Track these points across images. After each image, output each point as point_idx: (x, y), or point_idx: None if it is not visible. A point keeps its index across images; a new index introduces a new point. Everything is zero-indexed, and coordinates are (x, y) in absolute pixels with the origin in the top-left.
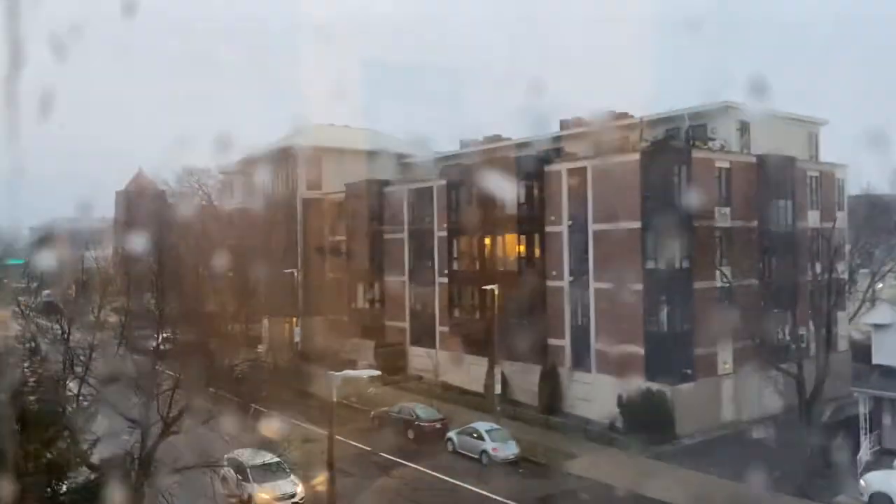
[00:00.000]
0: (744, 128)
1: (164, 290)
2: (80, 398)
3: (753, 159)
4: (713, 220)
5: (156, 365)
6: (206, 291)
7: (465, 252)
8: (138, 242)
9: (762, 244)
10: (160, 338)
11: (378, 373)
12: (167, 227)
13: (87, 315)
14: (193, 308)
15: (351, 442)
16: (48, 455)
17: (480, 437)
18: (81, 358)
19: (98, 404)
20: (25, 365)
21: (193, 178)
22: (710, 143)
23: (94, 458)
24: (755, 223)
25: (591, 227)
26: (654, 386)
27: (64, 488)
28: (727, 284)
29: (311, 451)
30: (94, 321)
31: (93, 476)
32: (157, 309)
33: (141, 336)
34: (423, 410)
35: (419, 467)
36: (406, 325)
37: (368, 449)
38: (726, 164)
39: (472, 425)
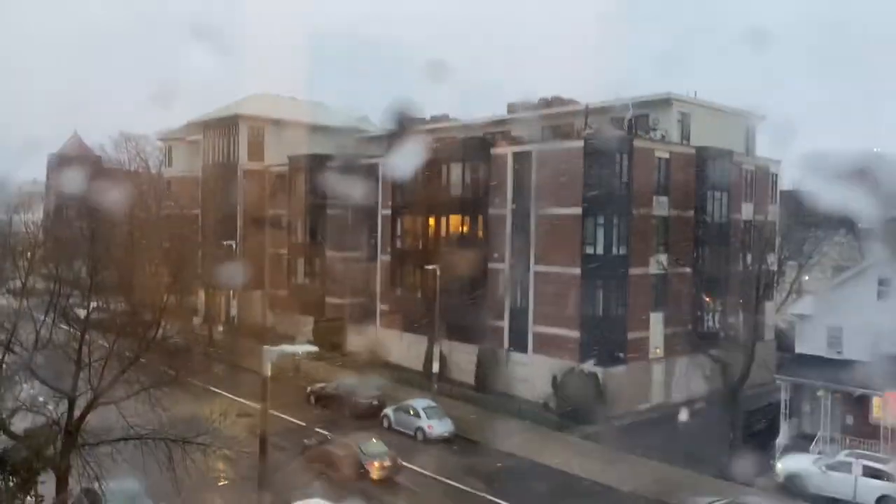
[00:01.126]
0: (684, 119)
1: (97, 257)
2: (3, 366)
3: (692, 151)
4: (651, 208)
5: (86, 334)
6: (140, 260)
7: (409, 231)
8: (71, 208)
9: (697, 234)
10: (91, 307)
11: (315, 348)
12: (102, 193)
13: (13, 280)
14: (127, 277)
15: (286, 417)
16: None
17: (416, 415)
18: (6, 325)
19: (23, 373)
20: None
21: (131, 143)
22: (652, 134)
23: (17, 427)
24: (691, 213)
25: (534, 210)
26: (588, 368)
27: None
28: (662, 272)
29: (246, 426)
30: (21, 287)
31: (10, 445)
32: (88, 276)
33: (71, 304)
34: (360, 387)
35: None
36: (346, 301)
37: (303, 424)
38: (666, 155)
39: (409, 402)
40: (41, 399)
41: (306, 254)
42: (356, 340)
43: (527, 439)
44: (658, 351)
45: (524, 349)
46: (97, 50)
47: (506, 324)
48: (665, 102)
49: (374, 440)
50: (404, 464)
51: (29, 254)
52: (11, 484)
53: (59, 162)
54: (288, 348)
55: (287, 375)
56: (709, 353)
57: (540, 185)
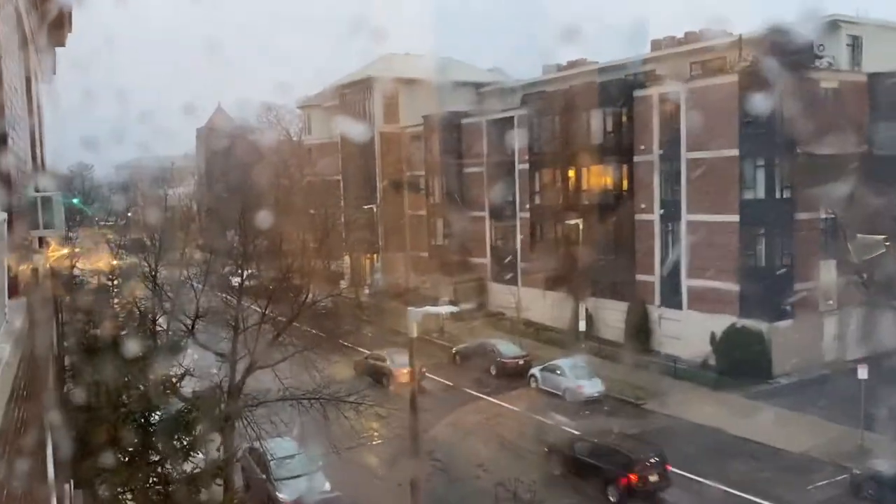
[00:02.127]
0: (854, 43)
1: (247, 227)
2: (170, 333)
3: (864, 78)
4: (818, 146)
5: (241, 300)
6: (287, 228)
7: (548, 185)
8: (220, 179)
9: (872, 171)
10: (244, 274)
11: (458, 308)
12: (248, 163)
13: (173, 252)
14: (276, 245)
15: (432, 377)
16: (140, 387)
17: (564, 374)
18: (169, 294)
19: (187, 339)
20: (116, 301)
21: (272, 113)
22: (817, 62)
23: (185, 391)
24: (865, 148)
25: (684, 155)
26: (750, 323)
27: (155, 418)
28: (832, 216)
29: (394, 387)
30: (180, 258)
31: (182, 407)
32: (240, 246)
33: (226, 273)
34: (505, 346)
35: (501, 402)
36: (487, 261)
37: (450, 384)
38: (834, 84)
39: (556, 362)
40: (204, 364)
41: (444, 214)
42: (498, 300)
43: (684, 399)
44: (831, 303)
45: (677, 305)
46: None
47: (656, 278)
48: (831, 26)
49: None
50: (556, 425)
51: (186, 227)
52: (184, 443)
53: (207, 135)
54: (431, 309)
55: (432, 336)
56: (891, 304)
57: (690, 126)
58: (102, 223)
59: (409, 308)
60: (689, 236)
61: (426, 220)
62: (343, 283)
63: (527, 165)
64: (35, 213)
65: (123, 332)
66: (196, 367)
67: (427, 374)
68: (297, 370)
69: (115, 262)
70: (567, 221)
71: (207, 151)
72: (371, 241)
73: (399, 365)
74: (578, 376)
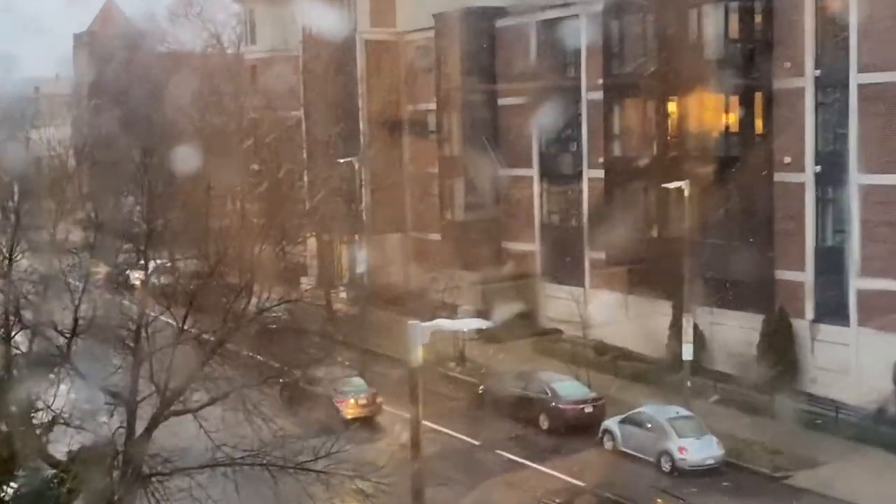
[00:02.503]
0: None
1: (155, 191)
2: (32, 359)
3: None
4: None
5: (146, 308)
6: (219, 193)
7: (634, 126)
8: (112, 116)
9: None
10: (150, 266)
11: (489, 323)
12: (155, 90)
13: (37, 231)
14: (200, 220)
15: (447, 431)
16: None
17: (657, 429)
18: (31, 297)
19: (59, 367)
20: None
21: (192, 8)
22: None
23: (56, 449)
24: None
25: (855, 78)
26: None
27: (8, 493)
28: None
29: (387, 443)
30: (49, 241)
31: (53, 474)
32: (145, 221)
33: (122, 264)
34: (563, 384)
35: (557, 473)
36: (535, 247)
37: (475, 443)
38: None
39: (645, 410)
40: (87, 407)
41: (468, 173)
42: (553, 309)
43: (854, 472)
44: None
45: (841, 319)
46: None
47: (807, 276)
48: None
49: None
50: None
51: (58, 190)
52: None
53: (90, 44)
54: (446, 324)
55: (448, 366)
56: None
57: (865, 31)
58: None
59: (410, 322)
60: (862, 209)
61: (438, 183)
62: (306, 282)
63: (600, 94)
64: None
65: None
66: (74, 411)
67: (433, 425)
68: (234, 418)
69: None
70: (664, 184)
71: (92, 71)
72: (350, 214)
73: (347, 392)
74: (681, 433)
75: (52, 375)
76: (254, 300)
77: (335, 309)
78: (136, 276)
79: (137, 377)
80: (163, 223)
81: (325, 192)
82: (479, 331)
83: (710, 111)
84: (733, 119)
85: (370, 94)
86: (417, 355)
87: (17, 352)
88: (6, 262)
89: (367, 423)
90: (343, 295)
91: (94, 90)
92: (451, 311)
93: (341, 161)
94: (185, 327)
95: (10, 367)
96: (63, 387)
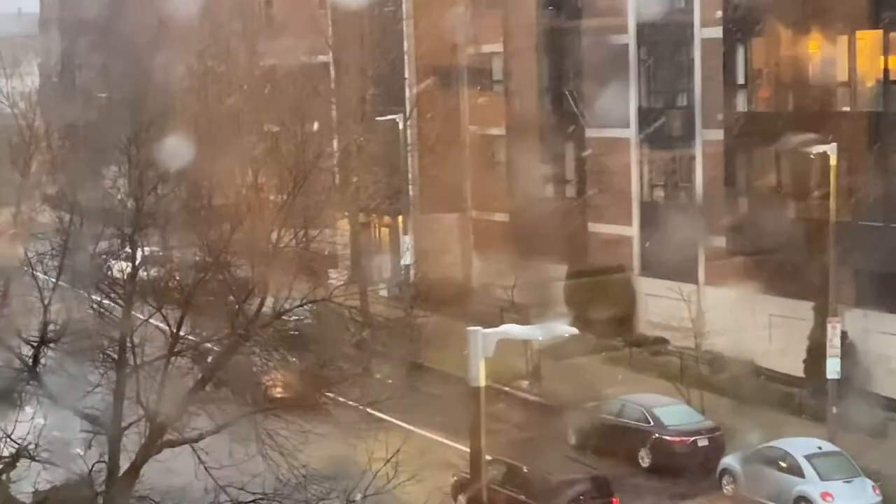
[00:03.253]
0: None
1: (145, 161)
2: None
3: None
4: None
5: (132, 308)
6: (224, 163)
7: (764, 72)
8: (90, 64)
9: None
10: (139, 257)
11: (573, 330)
12: (144, 29)
13: None
14: (201, 198)
15: (518, 468)
16: None
17: (794, 469)
18: None
19: (24, 384)
20: None
21: None
22: None
23: (20, 489)
24: None
25: None
26: None
27: None
28: None
29: (441, 481)
30: (12, 224)
31: None
32: (131, 199)
33: (103, 253)
34: (670, 410)
35: None
36: (632, 231)
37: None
38: None
39: (778, 444)
40: (59, 436)
41: (545, 134)
42: (657, 311)
43: None
44: None
45: None
46: None
47: None
48: None
49: None
50: None
51: (21, 160)
52: None
53: None
54: (516, 330)
55: (517, 384)
56: None
57: None
58: None
59: (469, 328)
60: None
61: (506, 148)
62: (336, 276)
63: (719, 31)
64: None
65: None
66: (42, 441)
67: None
68: (244, 451)
69: None
70: (804, 149)
71: (64, 5)
72: (393, 189)
73: None
74: (825, 474)
75: (14, 395)
76: (269, 300)
77: (373, 311)
78: (120, 269)
79: (122, 398)
80: (154, 201)
81: (360, 160)
82: (560, 339)
83: (864, 53)
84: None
85: (419, 32)
86: (479, 371)
87: None
88: None
89: None
90: (383, 293)
91: (67, 30)
92: (523, 315)
93: (381, 119)
94: (182, 334)
95: None
96: (28, 410)
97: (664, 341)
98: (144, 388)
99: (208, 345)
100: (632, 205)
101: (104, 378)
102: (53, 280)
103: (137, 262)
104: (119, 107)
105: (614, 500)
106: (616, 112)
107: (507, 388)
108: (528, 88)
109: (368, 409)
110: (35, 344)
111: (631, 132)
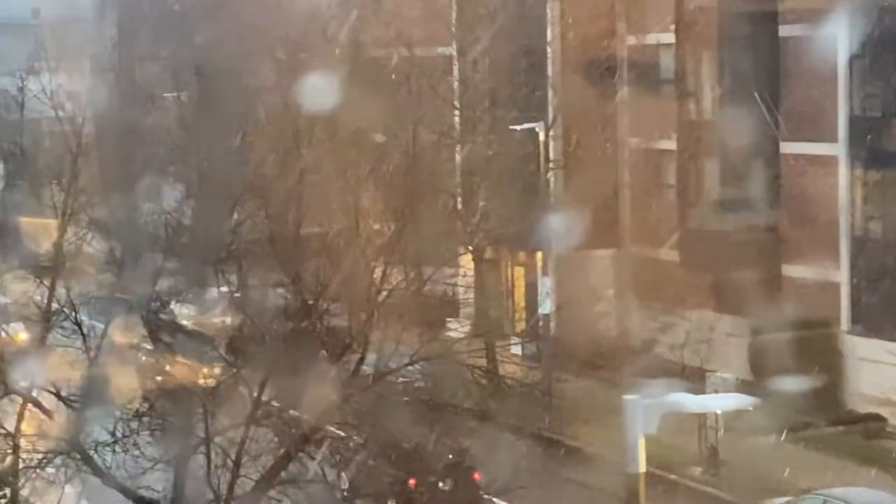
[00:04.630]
0: None
1: (219, 178)
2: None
3: None
4: None
5: (204, 367)
6: (314, 181)
7: None
8: (153, 57)
9: None
10: (210, 299)
11: (758, 401)
12: (221, 15)
13: (26, 239)
14: (289, 225)
15: None
16: None
17: None
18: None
19: (66, 460)
20: None
21: None
22: None
23: None
24: None
25: None
26: None
27: None
28: None
29: None
30: (52, 251)
31: None
32: (201, 226)
33: (164, 293)
34: None
35: None
36: (841, 275)
37: None
38: None
39: None
40: None
41: (726, 149)
42: (869, 380)
43: None
44: None
45: None
46: None
47: None
48: None
49: None
50: None
51: (66, 175)
52: None
53: None
54: (688, 400)
55: (686, 470)
56: None
57: None
58: None
59: (626, 397)
60: None
61: (677, 166)
62: (457, 327)
63: None
64: None
65: None
66: None
67: None
68: None
69: None
70: None
71: None
72: (530, 216)
73: None
74: None
75: (53, 470)
76: (371, 356)
77: (502, 372)
78: (185, 314)
79: (185, 476)
80: (230, 230)
81: (488, 179)
82: (743, 413)
83: None
84: None
85: (566, 19)
86: (638, 452)
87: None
88: None
89: None
90: (516, 349)
91: (127, 16)
92: (696, 381)
93: (516, 128)
94: (262, 397)
95: None
96: (69, 490)
97: (880, 419)
98: (216, 464)
99: (294, 412)
100: (840, 241)
101: (166, 451)
102: (102, 326)
103: (208, 306)
104: (189, 111)
105: None
106: (820, 122)
107: (673, 476)
108: (705, 90)
109: (496, 500)
110: (76, 406)
111: (840, 148)
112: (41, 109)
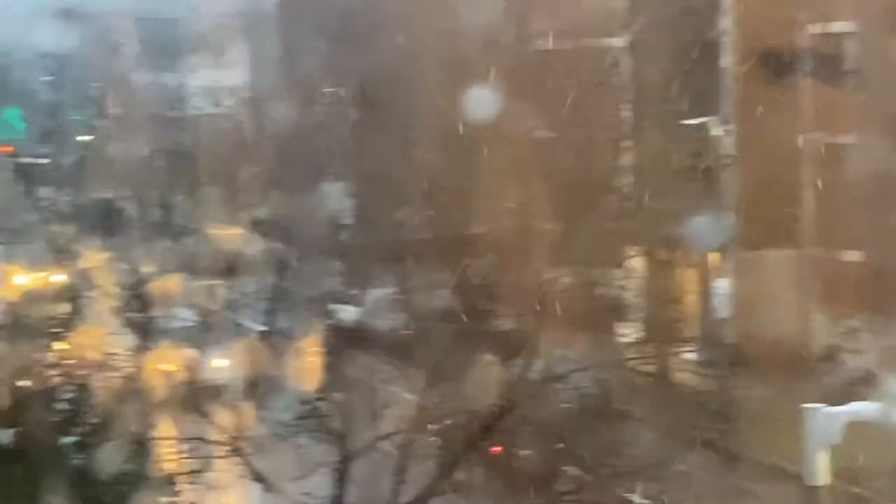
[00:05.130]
0: None
1: (383, 174)
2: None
3: None
4: None
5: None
6: (480, 179)
7: None
8: (311, 49)
9: None
10: (372, 299)
11: None
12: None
13: (191, 237)
14: (455, 224)
15: None
16: None
17: None
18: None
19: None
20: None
21: None
22: None
23: None
24: None
25: None
26: None
27: None
28: None
29: None
30: (210, 254)
31: None
32: (362, 221)
33: (324, 297)
34: None
35: None
36: None
37: None
38: None
39: None
40: None
41: None
42: None
43: None
44: None
45: None
46: None
47: None
48: None
49: None
50: None
51: (227, 173)
52: None
53: None
54: (874, 409)
55: (875, 486)
56: None
57: None
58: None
59: (805, 406)
60: None
61: (860, 161)
62: (626, 332)
63: None
64: None
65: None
66: None
67: None
68: None
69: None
70: None
71: None
72: (703, 216)
73: None
74: None
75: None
76: (537, 361)
77: (676, 380)
78: (346, 315)
79: (345, 484)
80: (395, 230)
81: (661, 177)
82: None
83: None
84: None
85: (741, 6)
86: (819, 465)
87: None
88: (138, 287)
89: None
90: (689, 356)
91: (292, 5)
92: (881, 389)
93: (689, 123)
94: (424, 404)
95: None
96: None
97: None
98: (372, 472)
99: (454, 420)
100: None
101: (324, 456)
102: (262, 328)
103: (369, 307)
104: (352, 109)
105: None
106: None
107: (857, 490)
108: (894, 82)
109: None
110: (245, 409)
111: None
112: (201, 106)
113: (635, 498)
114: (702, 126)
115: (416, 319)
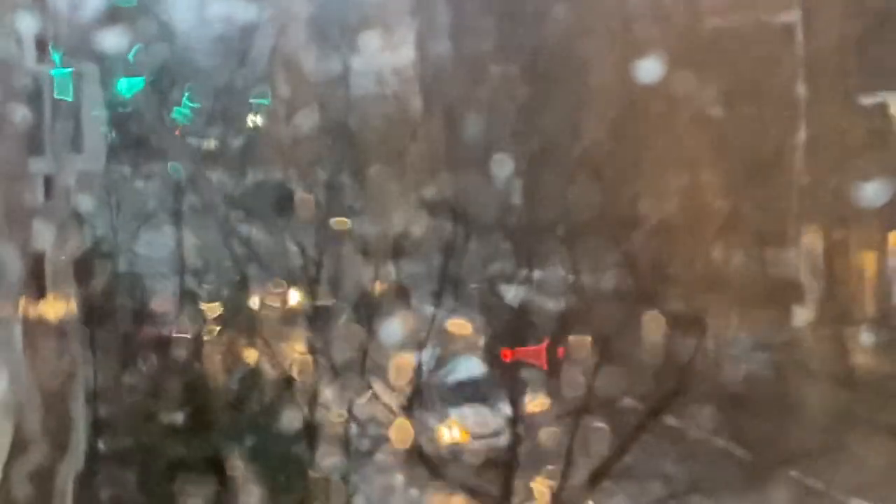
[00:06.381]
0: None
1: (549, 152)
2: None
3: None
4: None
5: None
6: (650, 157)
7: None
8: (478, 27)
9: None
10: (543, 278)
11: None
12: None
13: (356, 215)
14: (621, 203)
15: None
16: None
17: None
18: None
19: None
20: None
21: None
22: None
23: None
24: None
25: None
26: None
27: None
28: None
29: None
30: (380, 237)
31: None
32: (529, 200)
33: (493, 276)
34: None
35: None
36: None
37: None
38: None
39: None
40: None
41: None
42: None
43: None
44: None
45: None
46: None
47: None
48: None
49: None
50: None
51: (394, 153)
52: None
53: None
54: None
55: None
56: None
57: None
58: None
59: None
60: None
61: None
62: (802, 313)
63: None
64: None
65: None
66: None
67: None
68: None
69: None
70: None
71: None
72: (881, 193)
73: None
74: None
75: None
76: (709, 343)
77: (854, 363)
78: (516, 296)
79: (514, 467)
80: (563, 209)
81: (835, 154)
82: None
83: None
84: None
85: None
86: None
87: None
88: (315, 264)
89: None
90: (867, 339)
91: None
92: None
93: (868, 100)
94: (594, 384)
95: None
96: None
97: None
98: (542, 452)
99: (625, 401)
100: None
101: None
102: (432, 309)
103: (539, 287)
104: (519, 86)
105: None
106: None
107: None
108: None
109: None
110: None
111: None
112: (367, 86)
113: (808, 481)
114: (879, 101)
115: (585, 300)
